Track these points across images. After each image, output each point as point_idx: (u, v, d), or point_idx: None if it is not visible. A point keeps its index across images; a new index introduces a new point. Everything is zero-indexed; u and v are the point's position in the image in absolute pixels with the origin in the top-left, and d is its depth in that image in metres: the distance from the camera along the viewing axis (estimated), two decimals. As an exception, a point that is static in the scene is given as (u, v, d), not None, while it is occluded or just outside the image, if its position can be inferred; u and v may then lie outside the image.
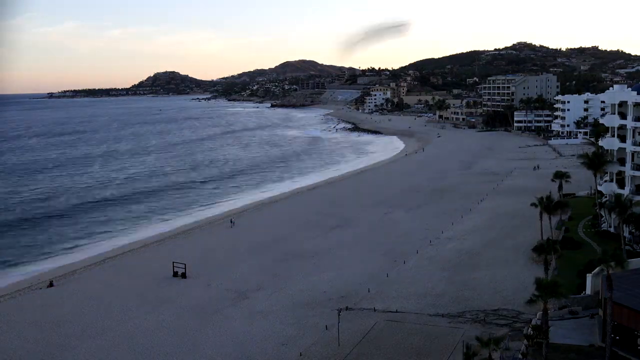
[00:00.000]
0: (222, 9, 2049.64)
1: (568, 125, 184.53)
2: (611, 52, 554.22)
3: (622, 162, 69.10)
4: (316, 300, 56.12)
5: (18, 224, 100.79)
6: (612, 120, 71.12)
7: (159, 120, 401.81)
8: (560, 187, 78.31)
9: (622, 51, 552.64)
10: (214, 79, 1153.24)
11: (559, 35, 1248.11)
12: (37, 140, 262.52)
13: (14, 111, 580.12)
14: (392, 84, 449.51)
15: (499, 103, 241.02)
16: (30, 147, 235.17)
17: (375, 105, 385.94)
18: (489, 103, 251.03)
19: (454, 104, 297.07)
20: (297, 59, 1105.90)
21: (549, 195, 66.08)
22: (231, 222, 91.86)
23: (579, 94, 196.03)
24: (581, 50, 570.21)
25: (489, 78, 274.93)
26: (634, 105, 66.53)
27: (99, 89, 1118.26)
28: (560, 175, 78.34)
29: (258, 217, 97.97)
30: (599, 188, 73.55)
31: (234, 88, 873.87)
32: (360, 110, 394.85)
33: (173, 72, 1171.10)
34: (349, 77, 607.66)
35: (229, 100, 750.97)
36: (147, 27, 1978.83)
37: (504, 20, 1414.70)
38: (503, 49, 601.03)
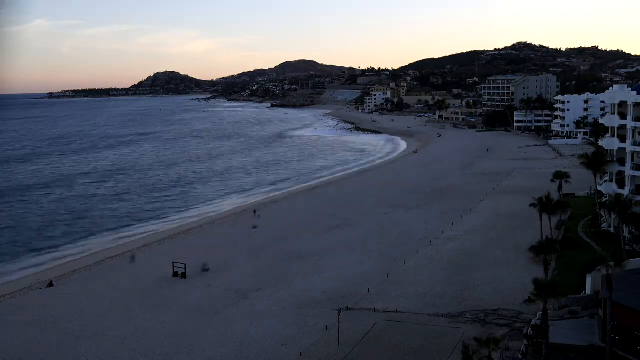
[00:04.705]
0: (222, 8, 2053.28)
1: (568, 126, 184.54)
2: (611, 52, 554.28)
3: (622, 162, 69.15)
4: (316, 300, 56.10)
5: (17, 224, 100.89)
6: (612, 120, 71.17)
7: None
8: (560, 187, 78.28)
9: (622, 51, 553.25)
10: (214, 79, 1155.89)
11: (559, 35, 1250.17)
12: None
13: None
14: (392, 84, 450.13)
15: (499, 103, 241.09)
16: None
17: (375, 106, 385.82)
18: (489, 103, 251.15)
19: (454, 104, 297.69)
20: (297, 59, 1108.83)
21: (549, 195, 66.13)
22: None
23: (579, 94, 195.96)
24: (581, 50, 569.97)
25: (489, 78, 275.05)
26: (634, 106, 66.55)
27: (99, 89, 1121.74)
28: (560, 176, 78.26)
29: (258, 217, 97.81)
30: (599, 188, 73.56)
31: (234, 88, 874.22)
32: (360, 111, 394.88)
33: (173, 72, 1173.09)
34: (349, 77, 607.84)
35: (229, 100, 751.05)
36: (136, 26, 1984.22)
37: (504, 20, 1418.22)
38: (503, 49, 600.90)
